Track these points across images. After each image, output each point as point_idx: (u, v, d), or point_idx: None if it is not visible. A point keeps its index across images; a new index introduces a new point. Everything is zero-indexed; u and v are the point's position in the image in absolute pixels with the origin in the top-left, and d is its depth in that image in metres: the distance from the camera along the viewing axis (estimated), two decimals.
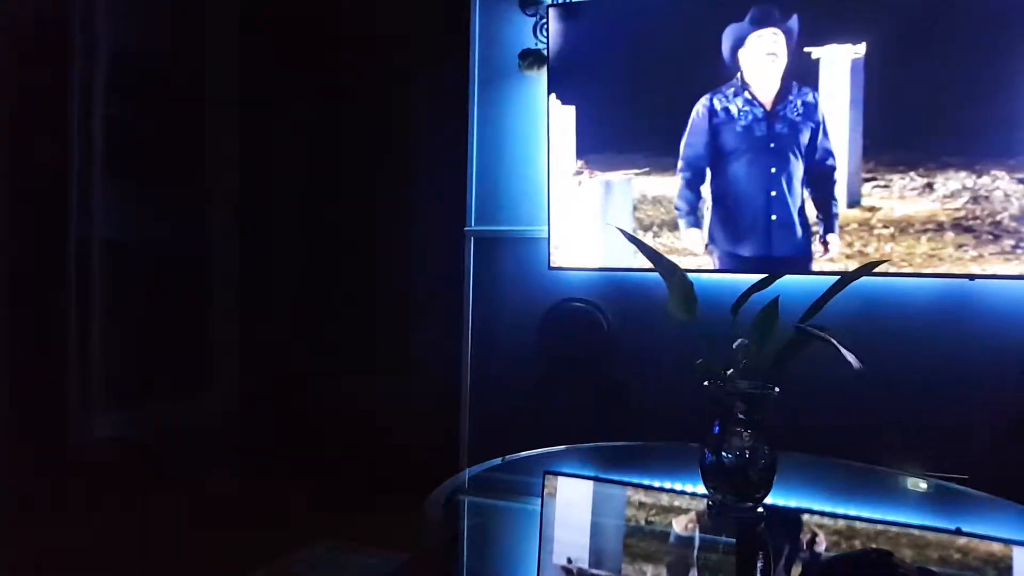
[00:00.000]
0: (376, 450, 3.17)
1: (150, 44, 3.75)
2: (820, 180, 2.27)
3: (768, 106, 2.32)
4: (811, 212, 2.28)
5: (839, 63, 2.23)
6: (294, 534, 2.31)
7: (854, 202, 2.23)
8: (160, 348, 3.80)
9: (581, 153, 2.50)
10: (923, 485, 1.59)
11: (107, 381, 3.53)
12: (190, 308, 3.99)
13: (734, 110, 2.38)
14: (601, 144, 2.50)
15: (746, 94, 2.36)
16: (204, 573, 2.10)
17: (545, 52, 2.50)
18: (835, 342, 1.07)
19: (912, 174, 2.16)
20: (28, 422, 3.60)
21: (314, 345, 3.73)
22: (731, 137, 2.38)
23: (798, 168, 2.30)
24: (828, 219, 2.26)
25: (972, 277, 2.04)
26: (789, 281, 1.39)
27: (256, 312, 3.98)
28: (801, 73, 2.29)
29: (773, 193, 2.33)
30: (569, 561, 1.20)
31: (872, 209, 2.21)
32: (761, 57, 2.35)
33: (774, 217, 2.32)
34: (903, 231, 2.16)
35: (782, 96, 2.31)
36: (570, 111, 2.50)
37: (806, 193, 2.29)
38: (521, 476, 1.61)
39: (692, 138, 2.42)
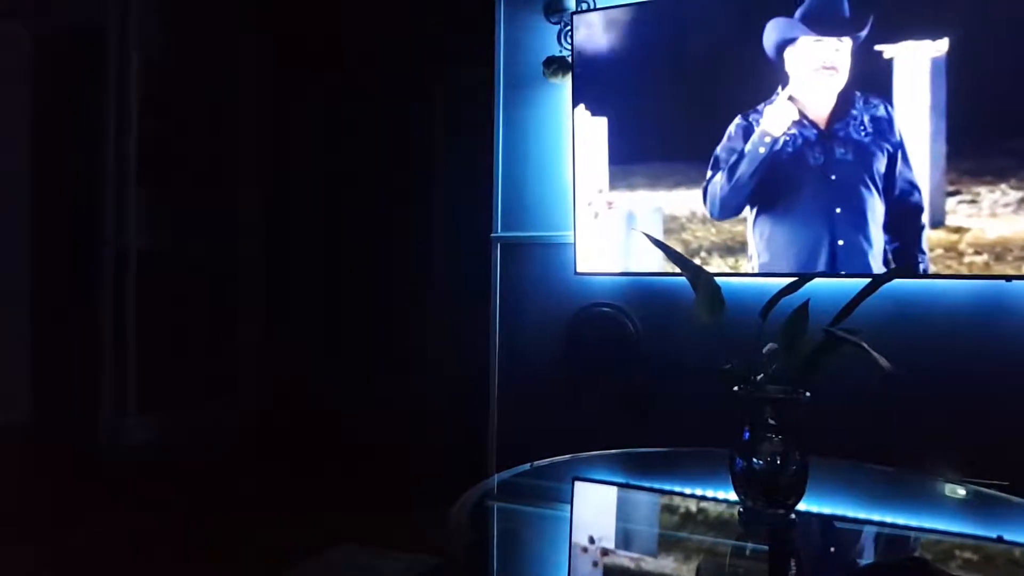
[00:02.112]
0: (403, 453, 3.19)
1: (182, 57, 3.84)
2: (899, 224, 1.83)
3: (823, 124, 1.88)
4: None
5: (916, 63, 1.85)
6: (322, 536, 2.34)
7: (937, 222, 1.85)
8: (189, 352, 3.87)
9: (614, 162, 2.34)
10: (962, 491, 1.55)
11: (138, 385, 3.61)
12: (218, 313, 4.06)
13: (777, 132, 1.96)
14: (636, 155, 2.29)
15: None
16: (232, 574, 2.13)
17: (569, 59, 2.50)
18: (865, 345, 1.06)
19: (1003, 186, 1.81)
20: (60, 425, 3.70)
21: (341, 350, 3.78)
22: (776, 168, 1.93)
23: (876, 206, 1.84)
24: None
25: (1009, 278, 1.99)
26: (819, 284, 1.37)
27: (283, 317, 4.04)
28: (865, 79, 1.87)
29: (841, 242, 1.87)
30: (595, 548, 1.20)
31: (959, 230, 1.83)
32: (816, 69, 1.89)
33: (843, 274, 1.88)
34: (999, 258, 1.80)
35: (841, 111, 1.87)
36: (599, 121, 2.38)
37: (885, 240, 1.83)
38: (550, 482, 1.60)
39: (723, 164, 2.02)
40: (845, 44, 1.91)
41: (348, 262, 3.79)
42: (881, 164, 1.85)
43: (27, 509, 2.67)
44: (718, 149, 2.13)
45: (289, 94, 4.04)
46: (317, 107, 3.92)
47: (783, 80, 2.02)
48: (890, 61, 1.89)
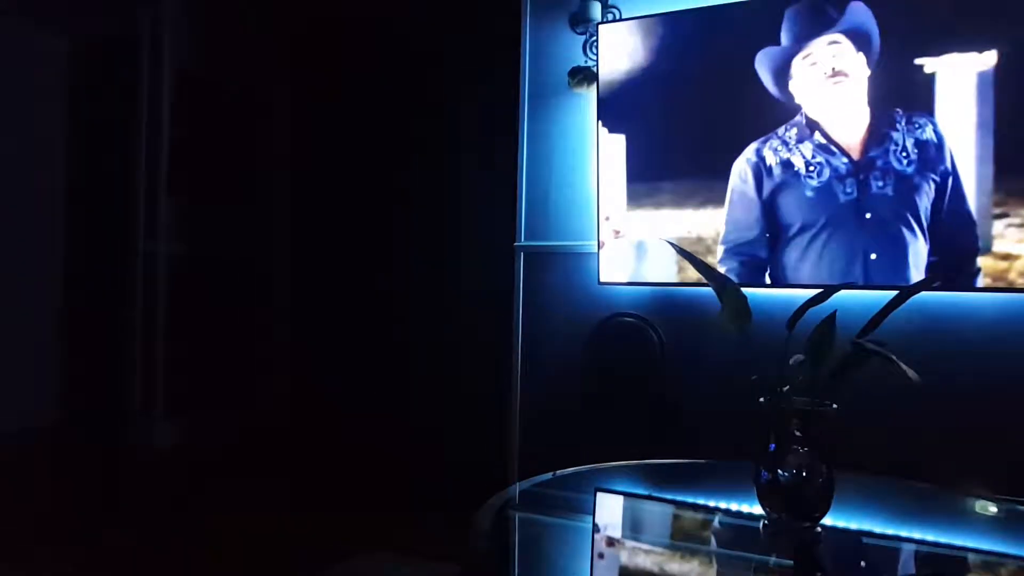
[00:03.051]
0: (425, 462, 3.19)
1: (212, 65, 3.92)
2: (950, 269, 1.59)
3: (856, 153, 1.61)
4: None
5: (960, 78, 1.65)
6: (344, 545, 2.35)
7: (984, 248, 1.68)
8: (215, 357, 3.93)
9: (634, 180, 2.30)
10: (993, 508, 1.52)
11: (165, 389, 3.67)
12: (244, 320, 4.12)
13: (799, 163, 1.69)
14: (660, 171, 2.21)
15: (817, 136, 1.67)
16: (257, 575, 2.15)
17: (595, 70, 2.51)
18: (893, 357, 1.05)
19: None
20: (89, 428, 3.76)
21: (364, 357, 3.80)
22: (799, 206, 1.68)
23: (919, 248, 1.60)
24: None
25: None
26: (846, 296, 1.36)
27: (309, 323, 4.08)
28: (905, 96, 1.63)
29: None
30: (616, 560, 1.19)
31: (1008, 257, 1.66)
32: (820, 82, 1.66)
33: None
34: None
35: (877, 135, 1.61)
36: (618, 138, 2.35)
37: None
38: (571, 492, 1.60)
39: (736, 214, 1.81)
40: (845, 47, 1.69)
41: (372, 269, 3.83)
42: (927, 198, 1.62)
43: (59, 509, 2.72)
44: (729, 189, 1.97)
45: (317, 102, 4.10)
46: (344, 115, 3.97)
47: (799, 106, 1.86)
48: (932, 76, 1.69)
